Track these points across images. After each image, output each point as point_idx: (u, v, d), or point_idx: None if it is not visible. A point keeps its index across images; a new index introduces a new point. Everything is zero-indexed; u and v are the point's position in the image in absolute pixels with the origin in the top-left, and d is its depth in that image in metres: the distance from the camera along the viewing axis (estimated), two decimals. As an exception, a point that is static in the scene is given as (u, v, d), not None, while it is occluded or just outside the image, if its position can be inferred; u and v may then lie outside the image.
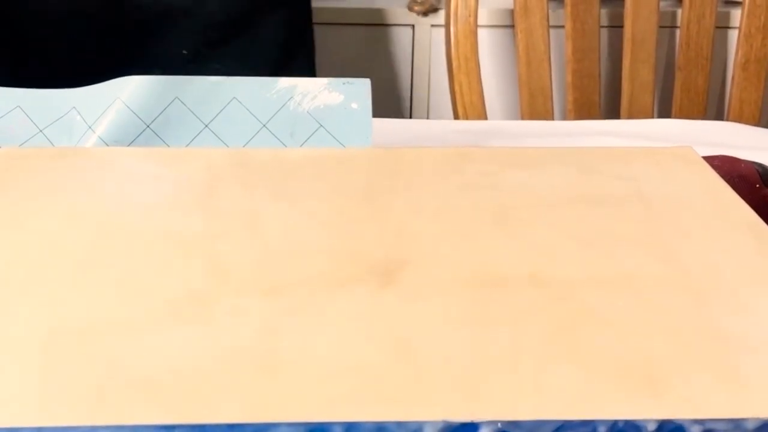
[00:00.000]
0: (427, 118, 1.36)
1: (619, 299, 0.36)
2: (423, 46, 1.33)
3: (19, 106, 0.57)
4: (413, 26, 1.33)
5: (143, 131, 0.57)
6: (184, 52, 0.68)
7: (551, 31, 1.10)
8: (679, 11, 1.14)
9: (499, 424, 0.28)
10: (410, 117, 1.37)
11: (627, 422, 0.29)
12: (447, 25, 1.11)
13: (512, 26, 1.11)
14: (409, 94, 1.37)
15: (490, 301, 0.36)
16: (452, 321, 0.34)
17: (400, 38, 1.34)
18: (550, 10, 1.10)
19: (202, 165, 0.49)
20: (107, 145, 0.57)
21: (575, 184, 0.47)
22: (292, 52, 0.98)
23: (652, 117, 1.14)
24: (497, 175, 0.48)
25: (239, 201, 0.45)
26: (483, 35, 1.18)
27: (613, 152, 0.52)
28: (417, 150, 0.53)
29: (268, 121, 0.57)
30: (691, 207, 0.44)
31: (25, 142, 0.56)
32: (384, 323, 0.34)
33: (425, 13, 1.31)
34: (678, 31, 1.15)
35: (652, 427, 0.29)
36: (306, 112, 0.57)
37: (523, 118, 1.12)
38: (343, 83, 0.58)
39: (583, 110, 1.15)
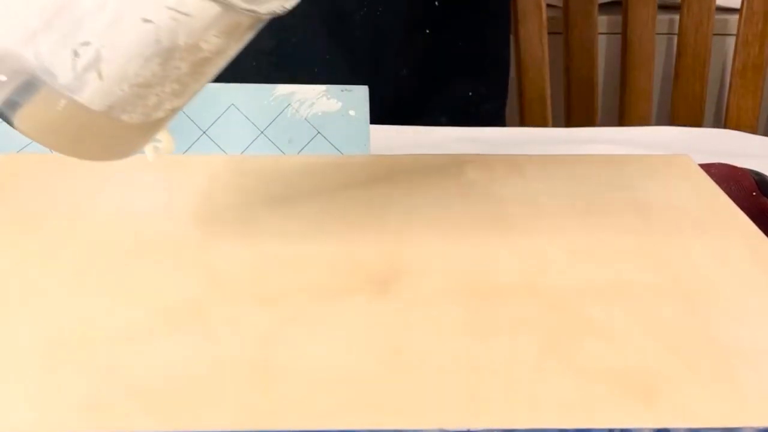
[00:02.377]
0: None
1: (614, 308, 0.36)
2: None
3: (18, 113, 0.57)
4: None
5: (141, 138, 0.57)
6: None
7: (549, 37, 1.10)
8: (677, 18, 1.14)
9: (495, 433, 0.29)
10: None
11: (622, 431, 0.29)
12: (445, 32, 1.11)
13: (511, 33, 1.11)
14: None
15: (486, 310, 0.36)
16: (448, 330, 0.34)
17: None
18: (548, 17, 1.10)
19: (200, 171, 0.49)
20: (105, 151, 0.57)
21: (572, 193, 0.47)
22: None
23: (650, 124, 1.14)
24: (495, 182, 0.48)
25: (236, 208, 0.45)
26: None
27: (611, 160, 0.52)
28: (415, 157, 0.53)
29: (266, 128, 0.57)
30: (687, 215, 0.44)
31: (24, 147, 0.56)
32: (380, 332, 0.34)
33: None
34: (676, 39, 1.15)
35: (647, 436, 0.29)
36: (304, 119, 0.57)
37: (521, 125, 1.12)
38: (341, 90, 0.58)
39: (581, 117, 1.15)
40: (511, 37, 1.10)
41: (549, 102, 1.11)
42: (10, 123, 0.35)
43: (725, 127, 1.11)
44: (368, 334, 0.34)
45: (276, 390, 0.30)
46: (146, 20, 0.32)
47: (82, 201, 0.45)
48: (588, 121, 1.14)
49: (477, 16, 0.87)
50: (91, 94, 0.33)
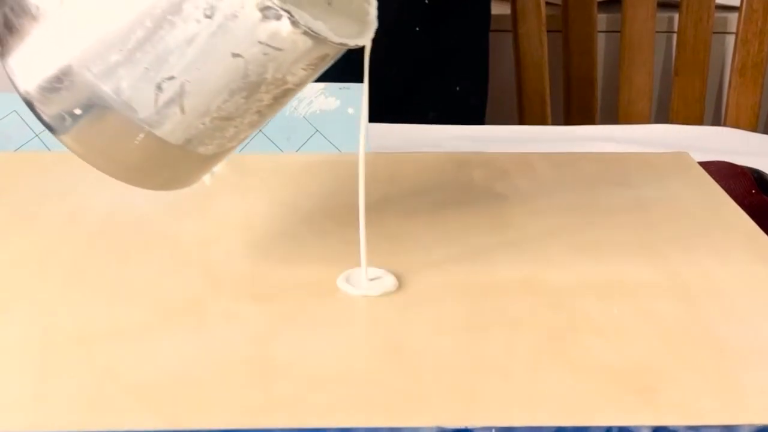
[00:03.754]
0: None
1: (614, 306, 0.36)
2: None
3: (15, 111, 0.57)
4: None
5: (140, 136, 0.57)
6: None
7: (548, 35, 1.10)
8: (676, 16, 1.14)
9: (494, 431, 0.28)
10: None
11: (621, 429, 0.29)
12: (444, 30, 1.11)
13: (510, 31, 1.11)
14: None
15: (485, 307, 0.36)
16: (447, 327, 0.34)
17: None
18: (547, 15, 1.10)
19: (198, 170, 0.49)
20: (103, 149, 0.57)
21: (571, 191, 0.47)
22: None
23: (650, 122, 1.14)
24: (494, 180, 0.48)
25: (235, 206, 0.45)
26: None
27: (610, 158, 0.52)
28: (414, 155, 0.53)
29: (264, 126, 0.57)
30: (686, 213, 0.44)
31: (22, 146, 0.56)
32: (379, 330, 0.34)
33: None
34: (675, 36, 1.15)
35: (645, 433, 0.29)
36: (302, 117, 0.57)
37: (520, 123, 1.12)
38: (340, 88, 0.58)
39: (580, 115, 1.14)
40: (510, 36, 1.11)
41: (548, 100, 1.11)
42: (54, 133, 0.34)
43: (725, 125, 1.11)
44: (366, 332, 0.34)
45: (274, 387, 0.30)
46: (236, 55, 0.31)
47: (81, 199, 0.45)
48: (587, 119, 1.14)
49: (464, 14, 0.89)
50: (172, 127, 0.32)
